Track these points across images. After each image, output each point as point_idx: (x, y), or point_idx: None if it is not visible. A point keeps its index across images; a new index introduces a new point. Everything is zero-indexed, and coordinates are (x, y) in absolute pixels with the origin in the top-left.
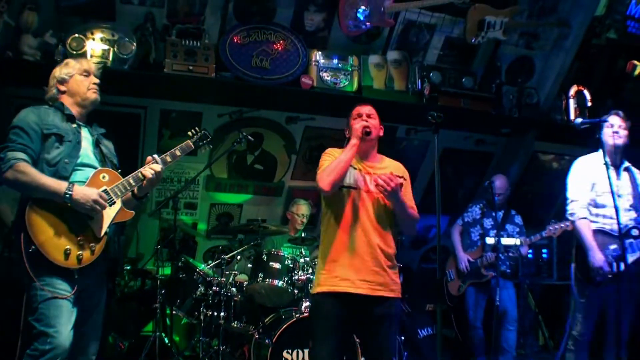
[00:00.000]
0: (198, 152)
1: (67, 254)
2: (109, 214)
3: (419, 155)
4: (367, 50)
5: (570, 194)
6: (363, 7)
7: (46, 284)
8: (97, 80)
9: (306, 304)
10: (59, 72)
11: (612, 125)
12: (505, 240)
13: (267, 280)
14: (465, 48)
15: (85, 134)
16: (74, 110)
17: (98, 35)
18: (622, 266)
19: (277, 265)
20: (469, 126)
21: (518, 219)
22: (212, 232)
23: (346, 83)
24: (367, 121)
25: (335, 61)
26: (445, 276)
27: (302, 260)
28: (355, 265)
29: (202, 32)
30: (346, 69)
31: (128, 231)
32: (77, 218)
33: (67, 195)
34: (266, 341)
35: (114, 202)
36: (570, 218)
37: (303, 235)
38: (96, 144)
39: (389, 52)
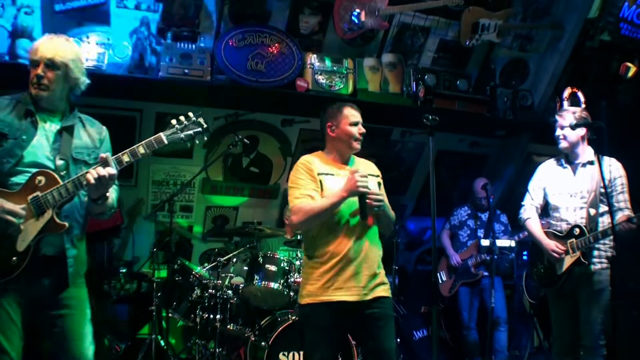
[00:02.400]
0: (194, 155)
1: None
2: (34, 226)
3: (414, 157)
4: (362, 53)
5: (524, 200)
6: (357, 10)
7: None
8: (40, 72)
9: None
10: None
11: (557, 139)
12: (500, 242)
13: (263, 282)
14: (460, 51)
15: (48, 127)
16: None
17: (93, 39)
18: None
19: (273, 268)
20: (463, 128)
21: (503, 218)
22: (208, 235)
23: (341, 86)
24: (361, 135)
25: (330, 64)
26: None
27: (298, 262)
28: (347, 273)
29: (197, 35)
30: (341, 72)
31: (124, 234)
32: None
33: None
34: (262, 343)
35: (43, 212)
36: (520, 223)
37: (299, 237)
38: (57, 138)
39: (383, 55)
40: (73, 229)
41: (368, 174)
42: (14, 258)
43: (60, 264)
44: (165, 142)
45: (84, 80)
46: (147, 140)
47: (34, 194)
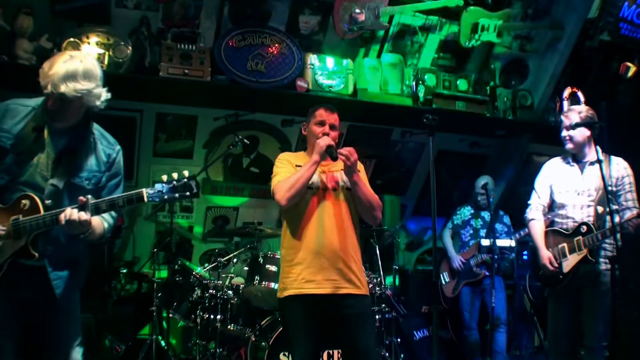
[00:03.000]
0: (194, 155)
1: None
2: (10, 247)
3: (414, 157)
4: (362, 53)
5: (530, 198)
6: (357, 10)
7: None
8: (51, 107)
9: None
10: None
11: (564, 139)
12: (501, 242)
13: (264, 282)
14: (460, 51)
15: (55, 143)
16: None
17: (93, 39)
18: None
19: (273, 268)
20: (463, 128)
21: (506, 219)
22: (209, 235)
23: (342, 86)
24: (328, 133)
25: (331, 64)
26: (439, 279)
27: None
28: (318, 266)
29: (197, 35)
30: (341, 72)
31: (124, 235)
32: None
33: None
34: (263, 344)
35: (19, 237)
36: (525, 222)
37: None
38: (58, 159)
39: (383, 55)
40: (56, 254)
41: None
42: None
43: (38, 275)
44: (145, 200)
45: (103, 101)
46: (128, 194)
47: (16, 217)
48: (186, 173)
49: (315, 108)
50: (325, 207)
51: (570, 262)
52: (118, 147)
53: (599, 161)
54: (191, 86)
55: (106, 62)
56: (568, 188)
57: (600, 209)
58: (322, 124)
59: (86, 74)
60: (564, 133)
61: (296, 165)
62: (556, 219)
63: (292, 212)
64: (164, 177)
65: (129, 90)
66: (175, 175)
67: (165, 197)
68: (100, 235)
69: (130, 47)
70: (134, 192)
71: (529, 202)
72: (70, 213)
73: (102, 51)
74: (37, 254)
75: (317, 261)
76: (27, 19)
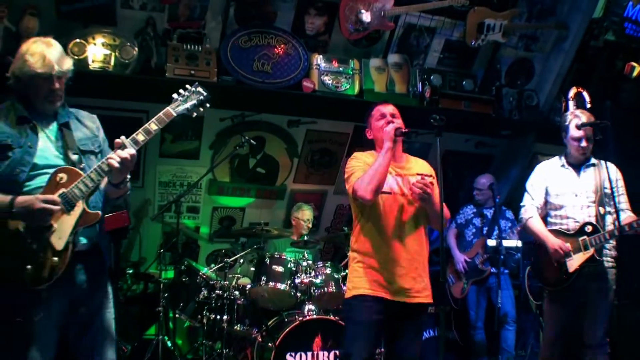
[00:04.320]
0: (200, 156)
1: (28, 275)
2: (69, 222)
3: (420, 158)
4: (368, 54)
5: (523, 200)
6: (363, 11)
7: (13, 309)
8: (57, 86)
9: (309, 307)
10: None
11: (579, 140)
12: (507, 242)
13: (270, 283)
14: (465, 51)
15: (47, 127)
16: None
17: (99, 40)
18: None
19: (279, 269)
20: (469, 128)
21: (509, 214)
22: (215, 236)
23: (347, 86)
24: (393, 121)
25: (337, 65)
26: (446, 281)
27: (304, 263)
28: (394, 272)
29: (203, 36)
30: (347, 73)
31: (130, 235)
32: (34, 232)
33: (9, 212)
34: (269, 344)
35: (74, 207)
36: (520, 223)
37: (306, 238)
38: (59, 136)
39: (389, 56)
40: (101, 218)
41: (418, 173)
42: (55, 258)
43: (95, 256)
44: (174, 114)
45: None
46: (157, 116)
47: (60, 191)
48: (189, 86)
49: (370, 109)
50: (402, 212)
51: (575, 262)
52: (94, 115)
53: (595, 164)
54: None
55: (112, 63)
56: (565, 190)
57: (601, 209)
58: (383, 116)
59: (61, 49)
60: (579, 133)
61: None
62: (553, 220)
63: (366, 216)
64: (175, 95)
65: (135, 91)
66: (182, 90)
67: (187, 106)
68: (128, 188)
69: (136, 48)
70: (161, 112)
71: (521, 204)
72: (119, 153)
73: (108, 52)
74: (99, 212)
75: (394, 268)
76: (33, 20)
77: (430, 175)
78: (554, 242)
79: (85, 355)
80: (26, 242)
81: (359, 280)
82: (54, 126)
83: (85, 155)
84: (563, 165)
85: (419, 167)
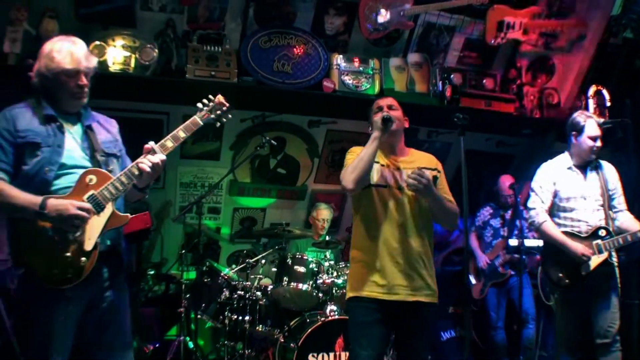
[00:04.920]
0: (221, 157)
1: (55, 275)
2: (98, 223)
3: (441, 157)
4: (388, 53)
5: (529, 202)
6: (383, 10)
7: (36, 307)
8: (85, 82)
9: (331, 307)
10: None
11: (595, 139)
12: (529, 242)
13: (292, 284)
14: (485, 49)
15: (72, 128)
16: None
17: (119, 42)
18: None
19: (301, 269)
20: (490, 128)
21: (526, 214)
22: (236, 237)
23: (368, 86)
24: (387, 112)
25: (357, 64)
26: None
27: (326, 263)
28: (390, 270)
29: (222, 37)
30: (367, 72)
31: (152, 236)
32: (63, 232)
33: (41, 214)
34: (291, 345)
35: (103, 208)
36: (532, 227)
37: (327, 238)
38: (85, 138)
39: (409, 55)
40: (128, 220)
41: (420, 167)
42: (83, 258)
43: (114, 257)
44: (201, 123)
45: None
46: (184, 124)
47: (89, 193)
48: (211, 96)
49: (372, 104)
50: (400, 206)
51: (591, 264)
52: (113, 119)
53: (598, 166)
54: (218, 88)
55: (132, 64)
56: (575, 193)
57: (610, 213)
58: (380, 109)
59: (86, 46)
60: (597, 132)
61: None
62: (563, 222)
63: (362, 211)
64: (199, 105)
65: (156, 92)
66: (205, 100)
67: (213, 115)
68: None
69: (156, 50)
70: (189, 121)
71: (530, 205)
72: (150, 158)
73: (128, 54)
74: (128, 214)
75: (389, 265)
76: (52, 23)
77: (435, 169)
78: (577, 246)
79: (102, 356)
80: (54, 242)
81: (355, 282)
82: (78, 127)
83: (108, 157)
84: (570, 168)
85: (422, 161)
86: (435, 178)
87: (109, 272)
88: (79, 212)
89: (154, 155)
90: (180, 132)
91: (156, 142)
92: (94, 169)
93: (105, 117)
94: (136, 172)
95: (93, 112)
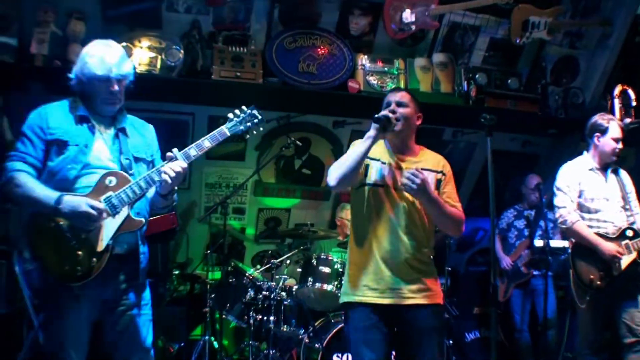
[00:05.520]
0: (246, 157)
1: (66, 272)
2: (112, 225)
3: (466, 157)
4: (413, 53)
5: (557, 201)
6: (408, 10)
7: (49, 302)
8: (116, 88)
9: None
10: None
11: (617, 141)
12: (554, 242)
13: (317, 284)
14: (510, 49)
15: (104, 130)
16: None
17: (145, 43)
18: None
19: (326, 270)
20: (515, 127)
21: (551, 214)
22: (261, 237)
23: (393, 86)
24: (395, 110)
25: (382, 65)
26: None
27: None
28: (382, 273)
29: (248, 38)
30: (392, 73)
31: (177, 236)
32: (77, 230)
33: (56, 209)
34: (316, 345)
35: (119, 211)
36: (563, 226)
37: None
38: (115, 140)
39: (434, 55)
40: (144, 225)
41: (422, 168)
42: (94, 259)
43: (132, 262)
44: (228, 134)
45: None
46: (211, 134)
47: (107, 194)
48: (244, 107)
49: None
50: (395, 207)
51: (622, 264)
52: (150, 125)
53: (617, 169)
54: (243, 89)
55: (158, 65)
56: (599, 195)
57: (630, 215)
58: (388, 105)
59: (124, 53)
60: (620, 134)
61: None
62: (588, 223)
63: (357, 211)
64: (231, 115)
65: (182, 93)
66: (237, 111)
67: (241, 127)
68: (175, 199)
69: (182, 51)
70: (215, 131)
71: (559, 204)
72: (172, 166)
73: (154, 55)
74: (142, 219)
75: (383, 268)
76: (79, 24)
77: (440, 172)
78: (610, 247)
79: (119, 358)
80: (68, 239)
81: (347, 286)
82: (111, 129)
83: (137, 162)
84: (592, 169)
85: (428, 162)
86: (438, 181)
87: (126, 275)
88: (91, 210)
89: (175, 163)
90: (206, 142)
91: (181, 143)
92: (115, 171)
93: (142, 121)
94: (156, 178)
95: (129, 116)
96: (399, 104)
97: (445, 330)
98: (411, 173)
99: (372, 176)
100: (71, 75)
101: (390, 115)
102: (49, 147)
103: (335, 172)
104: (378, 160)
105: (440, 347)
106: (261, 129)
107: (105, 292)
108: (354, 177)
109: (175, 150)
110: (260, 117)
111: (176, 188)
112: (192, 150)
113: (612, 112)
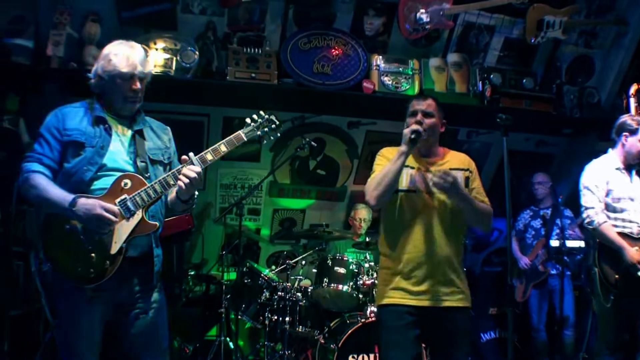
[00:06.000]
0: (261, 158)
1: (79, 274)
2: (126, 228)
3: (481, 157)
4: (427, 53)
5: (585, 201)
6: (422, 10)
7: (58, 303)
8: (138, 86)
9: (371, 308)
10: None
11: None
12: (571, 243)
13: (332, 285)
14: (525, 48)
15: (122, 131)
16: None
17: (160, 44)
18: None
19: (342, 270)
20: (530, 127)
21: (567, 212)
22: (276, 238)
23: (407, 87)
24: (422, 121)
25: (396, 65)
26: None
27: (367, 265)
28: (417, 276)
29: (262, 39)
30: (407, 73)
31: (193, 237)
32: (91, 232)
33: (70, 211)
34: (331, 346)
35: (133, 214)
36: (589, 226)
37: (367, 239)
38: (132, 142)
39: (449, 55)
40: (158, 229)
41: (450, 168)
42: (107, 262)
43: (146, 265)
44: (245, 139)
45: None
46: (227, 139)
47: (122, 197)
48: (263, 113)
49: (409, 101)
50: (429, 211)
51: None
52: (168, 127)
53: None
54: (258, 90)
55: (173, 67)
56: (624, 194)
57: None
58: (414, 114)
59: (145, 53)
60: None
61: None
62: (614, 223)
63: (390, 216)
64: (248, 120)
65: (197, 94)
66: (255, 116)
67: (258, 132)
68: (195, 202)
69: (197, 52)
70: (232, 135)
71: (587, 204)
72: (186, 172)
73: (169, 56)
74: (157, 223)
75: (417, 270)
76: (95, 26)
77: (466, 169)
78: (633, 253)
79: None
80: (81, 241)
81: (383, 289)
82: (128, 131)
83: (154, 165)
84: (618, 169)
85: (454, 162)
86: (467, 179)
87: (140, 278)
88: (105, 213)
89: (190, 168)
90: (222, 146)
91: (196, 144)
92: (131, 173)
93: (159, 123)
94: (171, 182)
95: (147, 118)
96: (425, 114)
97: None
98: (442, 172)
99: (404, 182)
100: (90, 74)
101: (420, 129)
102: (66, 148)
103: (374, 192)
104: (407, 166)
105: (467, 350)
106: (278, 134)
107: (119, 294)
108: (392, 192)
109: (191, 154)
110: (277, 122)
111: (196, 193)
112: (208, 155)
113: (628, 111)
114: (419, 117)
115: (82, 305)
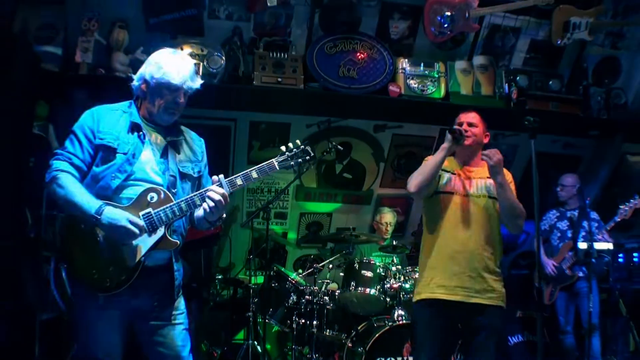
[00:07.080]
0: None
1: (95, 280)
2: (146, 242)
3: (507, 160)
4: (453, 56)
5: None
6: (448, 13)
7: (72, 309)
8: (183, 100)
9: (399, 312)
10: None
11: None
12: (598, 245)
13: (360, 288)
14: (551, 50)
15: (155, 141)
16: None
17: (187, 50)
18: None
19: (369, 274)
20: (557, 129)
21: (594, 214)
22: (302, 241)
23: (433, 90)
24: (466, 130)
25: (422, 68)
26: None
27: (394, 268)
28: (452, 271)
29: (288, 44)
30: (433, 76)
31: (220, 241)
32: (111, 242)
33: (95, 219)
34: (359, 349)
35: (156, 230)
36: None
37: (394, 243)
38: (164, 153)
39: (474, 57)
40: (179, 246)
41: (488, 177)
42: (124, 273)
43: (164, 276)
44: (277, 168)
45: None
46: (259, 166)
47: (146, 210)
48: (299, 142)
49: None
50: (465, 213)
51: None
52: (202, 139)
53: None
54: (284, 94)
55: (200, 72)
56: None
57: None
58: (460, 125)
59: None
60: None
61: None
62: None
63: (429, 216)
64: (283, 148)
65: (223, 100)
66: (291, 145)
67: (292, 162)
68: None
69: (223, 58)
70: (265, 163)
71: None
72: (212, 195)
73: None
74: (178, 241)
75: (451, 267)
76: (122, 33)
77: (501, 162)
78: None
79: None
80: (101, 250)
81: (421, 285)
82: (162, 141)
83: (183, 179)
84: None
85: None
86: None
87: (157, 288)
88: (131, 227)
89: (215, 191)
90: (254, 173)
91: (222, 149)
92: (158, 187)
93: (194, 134)
94: (198, 203)
95: (183, 128)
96: (470, 124)
97: (501, 333)
98: (491, 150)
99: (444, 185)
100: (135, 77)
101: (462, 130)
102: (97, 151)
103: (415, 180)
104: (449, 171)
105: (497, 348)
106: (312, 166)
107: (135, 302)
108: (431, 184)
109: (221, 176)
110: (312, 154)
111: (224, 215)
112: (239, 180)
113: None
114: (464, 126)
115: (95, 312)
